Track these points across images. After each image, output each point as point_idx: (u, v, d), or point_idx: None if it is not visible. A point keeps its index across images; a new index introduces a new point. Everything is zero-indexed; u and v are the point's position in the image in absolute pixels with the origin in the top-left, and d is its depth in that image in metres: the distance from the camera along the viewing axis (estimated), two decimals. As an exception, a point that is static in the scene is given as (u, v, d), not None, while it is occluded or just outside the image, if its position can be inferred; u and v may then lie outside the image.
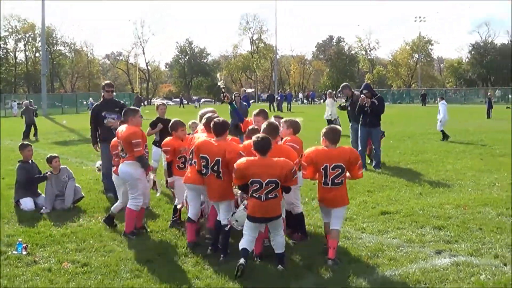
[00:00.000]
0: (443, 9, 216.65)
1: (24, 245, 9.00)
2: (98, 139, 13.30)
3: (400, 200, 12.42)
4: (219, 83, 10.37)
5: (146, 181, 10.11)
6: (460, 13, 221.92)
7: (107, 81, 14.05)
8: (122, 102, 13.90)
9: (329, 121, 26.37)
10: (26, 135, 30.08)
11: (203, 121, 9.24)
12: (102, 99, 13.42)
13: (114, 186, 12.21)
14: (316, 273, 7.82)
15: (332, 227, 8.46)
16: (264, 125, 8.62)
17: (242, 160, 7.92)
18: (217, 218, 8.82)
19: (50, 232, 10.08)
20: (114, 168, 10.56)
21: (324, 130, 8.65)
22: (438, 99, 29.65)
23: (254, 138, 8.03)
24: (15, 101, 66.03)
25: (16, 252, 8.80)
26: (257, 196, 7.77)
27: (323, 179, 8.40)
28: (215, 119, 8.62)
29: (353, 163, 8.47)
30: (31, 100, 37.22)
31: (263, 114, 9.97)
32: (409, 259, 8.31)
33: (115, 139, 10.50)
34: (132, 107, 10.73)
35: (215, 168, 8.33)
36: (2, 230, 10.26)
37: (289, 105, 69.15)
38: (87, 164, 19.14)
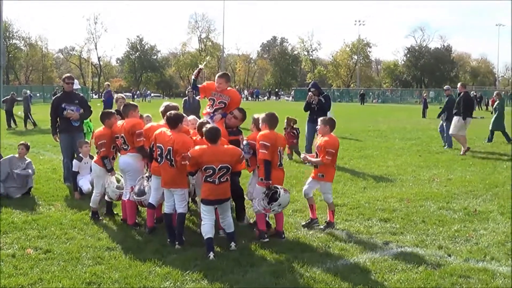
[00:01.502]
0: (382, 14, 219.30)
1: (-13, 231, 8.79)
2: (57, 130, 13.09)
3: (346, 194, 12.48)
4: (201, 66, 10.51)
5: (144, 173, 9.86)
6: (397, 19, 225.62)
7: (68, 74, 13.76)
8: (81, 95, 13.71)
9: None
10: (25, 122, 31.61)
11: (161, 108, 9.55)
12: (62, 91, 13.27)
13: (72, 176, 12.09)
14: (271, 262, 7.79)
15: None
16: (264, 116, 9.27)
17: (196, 148, 8.13)
18: (165, 211, 8.77)
19: (12, 219, 9.89)
20: (95, 158, 10.27)
21: (326, 120, 10.10)
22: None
23: (204, 129, 8.35)
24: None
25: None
26: (211, 180, 8.07)
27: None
28: (167, 113, 8.62)
29: None
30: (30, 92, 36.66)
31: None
32: (359, 250, 8.36)
33: (99, 129, 10.26)
34: (131, 102, 10.58)
35: (168, 156, 8.33)
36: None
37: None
38: (44, 154, 18.82)
